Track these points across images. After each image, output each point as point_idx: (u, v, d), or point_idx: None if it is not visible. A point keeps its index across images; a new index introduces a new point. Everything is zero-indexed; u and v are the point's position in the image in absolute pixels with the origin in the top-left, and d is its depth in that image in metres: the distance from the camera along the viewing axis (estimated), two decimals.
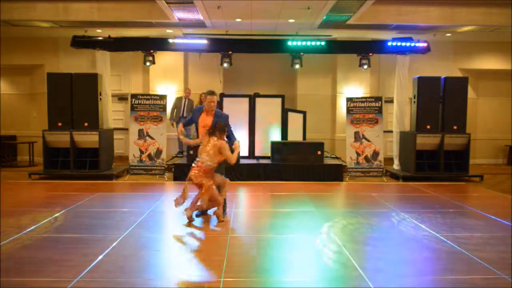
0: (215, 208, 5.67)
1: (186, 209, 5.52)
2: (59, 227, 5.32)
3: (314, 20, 9.27)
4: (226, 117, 5.87)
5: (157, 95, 9.72)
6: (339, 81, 11.84)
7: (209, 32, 10.43)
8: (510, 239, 4.92)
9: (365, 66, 10.25)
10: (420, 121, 9.41)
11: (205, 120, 5.80)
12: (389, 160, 10.57)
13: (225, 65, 10.19)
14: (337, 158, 10.54)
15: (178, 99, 11.05)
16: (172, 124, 11.07)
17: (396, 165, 10.05)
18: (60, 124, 9.09)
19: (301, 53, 10.14)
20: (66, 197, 7.05)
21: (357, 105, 9.57)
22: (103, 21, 9.24)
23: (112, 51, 9.95)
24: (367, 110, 9.52)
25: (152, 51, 10.06)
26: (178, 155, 10.75)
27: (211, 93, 5.86)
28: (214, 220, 5.72)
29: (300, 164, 9.10)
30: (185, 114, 10.90)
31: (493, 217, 5.94)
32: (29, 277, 3.72)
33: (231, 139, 5.80)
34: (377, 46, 10.12)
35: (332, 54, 11.39)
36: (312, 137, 10.36)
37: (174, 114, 11.03)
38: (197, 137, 5.94)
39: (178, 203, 5.35)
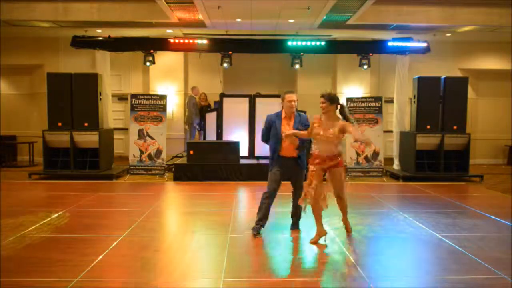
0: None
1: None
2: (59, 227, 5.32)
3: (314, 20, 9.27)
4: (306, 118, 5.07)
5: (157, 95, 9.72)
6: (339, 81, 11.84)
7: (209, 32, 10.42)
8: (510, 239, 4.92)
9: (365, 66, 10.24)
10: (420, 121, 9.40)
11: (288, 126, 4.97)
12: (389, 160, 10.56)
13: (225, 65, 10.18)
14: None
15: (193, 98, 11.02)
16: (198, 125, 10.89)
17: (396, 165, 10.04)
18: (60, 124, 9.08)
19: (301, 53, 10.13)
20: (66, 197, 7.05)
21: (357, 105, 9.56)
22: (103, 21, 9.23)
23: (112, 51, 9.95)
24: (367, 110, 9.52)
25: (152, 51, 10.05)
26: (179, 155, 10.73)
27: (291, 91, 5.00)
28: (214, 221, 5.73)
29: None
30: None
31: (493, 217, 5.94)
32: (29, 277, 3.73)
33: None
34: (377, 46, 10.12)
35: (332, 54, 11.37)
36: None
37: (190, 115, 10.89)
38: (278, 146, 4.96)
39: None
